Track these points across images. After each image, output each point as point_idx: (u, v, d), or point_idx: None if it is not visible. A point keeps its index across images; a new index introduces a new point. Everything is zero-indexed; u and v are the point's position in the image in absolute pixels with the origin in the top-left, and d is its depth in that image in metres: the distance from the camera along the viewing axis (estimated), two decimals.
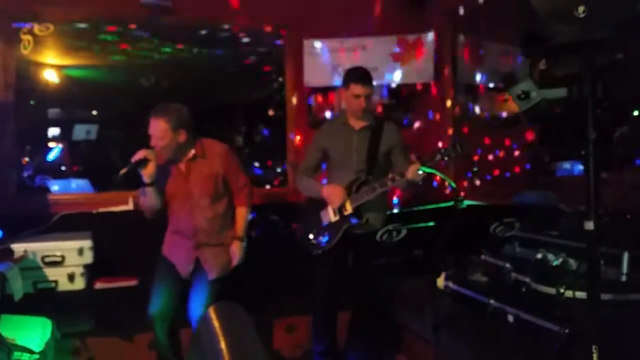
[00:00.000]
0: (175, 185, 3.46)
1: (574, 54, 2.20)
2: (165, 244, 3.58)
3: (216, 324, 1.66)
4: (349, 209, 3.47)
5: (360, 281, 3.66)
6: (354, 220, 3.47)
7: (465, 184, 5.23)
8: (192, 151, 3.44)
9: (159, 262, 3.54)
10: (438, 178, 5.08)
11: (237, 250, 3.55)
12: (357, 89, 3.46)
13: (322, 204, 3.58)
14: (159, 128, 3.30)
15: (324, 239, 3.56)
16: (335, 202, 3.49)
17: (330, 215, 3.55)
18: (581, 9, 1.97)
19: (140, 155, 3.26)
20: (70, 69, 7.14)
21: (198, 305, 3.40)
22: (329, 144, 3.64)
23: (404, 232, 3.00)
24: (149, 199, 3.39)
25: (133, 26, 5.50)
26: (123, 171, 3.23)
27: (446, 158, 3.18)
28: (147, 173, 3.28)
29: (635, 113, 5.04)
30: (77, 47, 6.22)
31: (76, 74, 7.39)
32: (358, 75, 3.50)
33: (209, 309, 1.78)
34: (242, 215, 3.60)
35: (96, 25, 5.45)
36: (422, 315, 3.53)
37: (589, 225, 2.10)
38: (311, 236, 3.62)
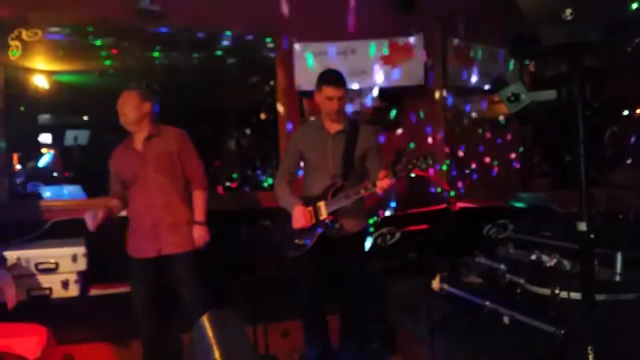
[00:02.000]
0: (134, 167, 3.59)
1: (563, 56, 2.21)
2: (128, 243, 3.66)
3: (210, 333, 1.65)
4: (324, 214, 3.48)
5: (345, 284, 3.65)
6: (329, 225, 3.48)
7: (458, 186, 5.24)
8: (148, 131, 3.60)
9: (129, 264, 3.63)
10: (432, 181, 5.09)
11: (200, 234, 3.62)
12: (329, 91, 3.46)
13: None
14: (127, 97, 3.57)
15: (299, 243, 3.56)
16: (298, 224, 3.48)
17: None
18: (568, 11, 1.98)
19: (90, 221, 3.44)
20: (60, 74, 7.10)
21: (184, 285, 3.57)
22: (305, 147, 3.64)
23: (397, 235, 3.00)
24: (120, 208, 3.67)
25: (123, 31, 5.47)
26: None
27: (417, 169, 3.18)
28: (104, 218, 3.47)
29: (625, 113, 5.07)
30: (66, 53, 6.19)
31: (66, 79, 7.34)
32: (330, 78, 3.50)
33: (203, 316, 1.77)
34: (200, 198, 3.68)
35: (85, 30, 5.43)
36: (417, 317, 3.54)
37: (582, 226, 2.11)
38: (287, 239, 3.62)
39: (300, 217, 3.48)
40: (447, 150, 5.22)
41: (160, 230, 3.56)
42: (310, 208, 3.50)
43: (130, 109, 3.54)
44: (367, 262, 3.76)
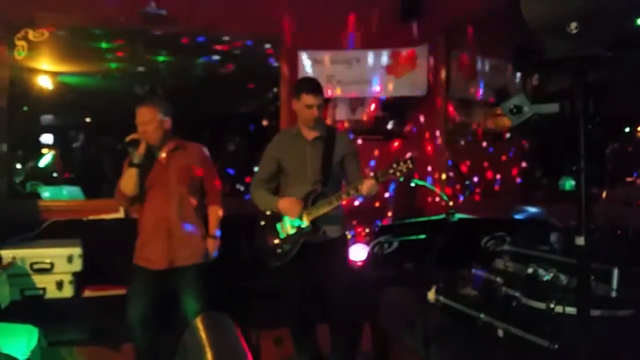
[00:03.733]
0: (155, 174, 3.60)
1: (566, 69, 2.21)
2: (136, 252, 3.65)
3: (203, 334, 1.64)
4: (306, 222, 3.48)
5: (330, 290, 3.63)
6: (311, 232, 3.47)
7: (457, 197, 5.23)
8: (174, 143, 3.64)
9: (133, 272, 3.60)
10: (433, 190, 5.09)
11: (211, 248, 3.69)
12: (308, 99, 3.48)
13: (278, 216, 3.57)
14: (148, 113, 3.52)
15: (282, 251, 3.55)
16: (293, 214, 3.49)
17: (287, 228, 3.55)
18: (573, 25, 1.98)
19: (133, 136, 3.48)
20: (65, 75, 7.12)
21: (190, 297, 3.56)
22: (282, 155, 3.64)
23: (395, 244, 2.98)
24: (131, 180, 3.52)
25: (128, 34, 5.49)
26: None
27: (398, 173, 3.18)
28: (138, 153, 3.48)
29: (627, 129, 5.08)
30: (72, 54, 6.21)
31: (70, 80, 7.37)
32: (309, 86, 3.53)
33: (196, 318, 1.76)
34: (215, 214, 3.76)
35: (91, 32, 5.45)
36: (412, 328, 3.51)
37: (580, 240, 2.10)
38: (268, 248, 3.60)
39: (291, 205, 3.48)
40: (447, 161, 5.21)
41: (175, 241, 3.57)
42: (295, 199, 3.50)
43: (154, 131, 3.52)
44: (350, 268, 3.75)
